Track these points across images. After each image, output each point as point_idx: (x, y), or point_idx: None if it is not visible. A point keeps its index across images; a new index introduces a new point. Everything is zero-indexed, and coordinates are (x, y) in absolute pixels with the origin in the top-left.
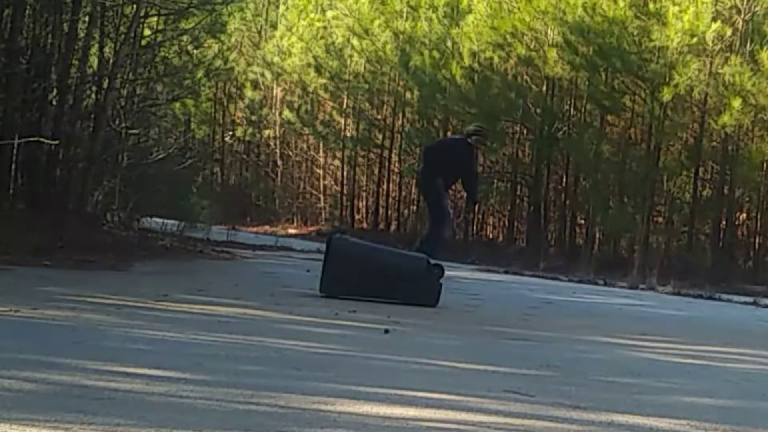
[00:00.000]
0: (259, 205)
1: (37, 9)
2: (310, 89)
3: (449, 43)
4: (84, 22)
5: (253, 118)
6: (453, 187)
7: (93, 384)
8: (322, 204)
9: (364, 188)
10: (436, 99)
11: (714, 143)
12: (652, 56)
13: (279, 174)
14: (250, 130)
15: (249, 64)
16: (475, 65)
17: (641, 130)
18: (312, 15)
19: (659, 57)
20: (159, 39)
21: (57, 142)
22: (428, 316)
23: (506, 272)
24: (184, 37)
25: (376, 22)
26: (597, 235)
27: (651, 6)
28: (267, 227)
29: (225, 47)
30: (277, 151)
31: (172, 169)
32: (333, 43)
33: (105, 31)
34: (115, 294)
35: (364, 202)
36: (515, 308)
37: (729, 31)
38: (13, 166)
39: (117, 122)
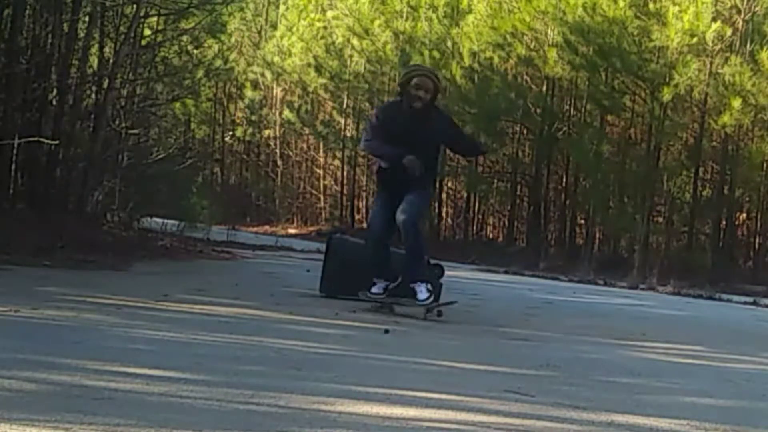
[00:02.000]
0: (259, 205)
1: (37, 9)
2: (310, 89)
3: (449, 43)
4: (84, 22)
5: (253, 118)
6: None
7: (93, 384)
8: (322, 204)
9: (364, 188)
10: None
11: (714, 143)
12: (652, 56)
13: (279, 174)
14: (250, 130)
15: (249, 64)
16: (475, 65)
17: (641, 130)
18: (312, 15)
19: (659, 57)
20: (159, 39)
21: (57, 142)
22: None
23: (506, 272)
24: (184, 37)
25: (376, 22)
26: (597, 235)
27: (651, 6)
28: (267, 227)
29: (225, 47)
30: (277, 151)
31: (172, 169)
32: (333, 43)
33: (105, 31)
34: (115, 294)
35: (364, 202)
36: (515, 308)
37: (729, 31)
38: (13, 166)
39: (117, 122)
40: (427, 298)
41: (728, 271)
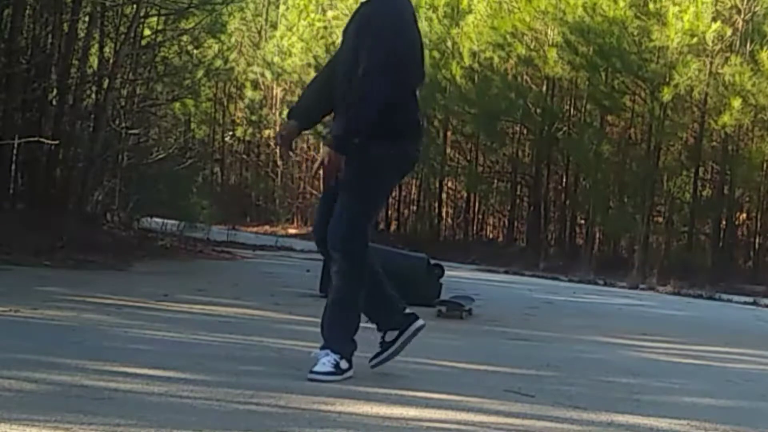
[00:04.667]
0: (259, 205)
1: (37, 9)
2: None
3: (449, 43)
4: (84, 22)
5: (253, 118)
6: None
7: (93, 384)
8: None
9: None
10: (436, 99)
11: (714, 143)
12: (652, 56)
13: (279, 174)
14: (250, 130)
15: (249, 64)
16: (475, 65)
17: (641, 130)
18: (312, 15)
19: (659, 57)
20: (159, 39)
21: (57, 142)
22: (428, 316)
23: (506, 272)
24: (184, 37)
25: None
26: (597, 235)
27: (651, 6)
28: (267, 227)
29: (225, 47)
30: (277, 151)
31: (172, 169)
32: (333, 43)
33: (105, 31)
34: (115, 294)
35: None
36: (515, 308)
37: (729, 31)
38: (13, 166)
39: (117, 122)
40: (329, 373)
41: (728, 271)
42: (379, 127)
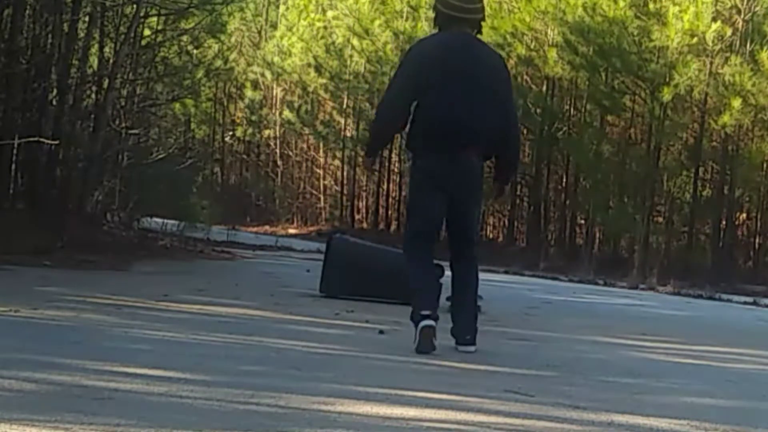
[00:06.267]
0: (259, 205)
1: (37, 9)
2: (310, 89)
3: None
4: (84, 22)
5: (253, 118)
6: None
7: (93, 384)
8: (322, 204)
9: (364, 188)
10: None
11: (714, 143)
12: (652, 56)
13: (279, 174)
14: (250, 130)
15: (249, 64)
16: None
17: (641, 130)
18: (312, 15)
19: (659, 57)
20: (159, 39)
21: (57, 142)
22: None
23: (506, 272)
24: (184, 37)
25: (376, 22)
26: (597, 235)
27: (651, 6)
28: (267, 227)
29: (225, 47)
30: (277, 151)
31: (172, 169)
32: (333, 43)
33: (105, 31)
34: (115, 294)
35: (364, 202)
36: (515, 308)
37: (729, 31)
38: (13, 166)
39: (117, 122)
40: None
41: (728, 271)
42: (408, 144)
